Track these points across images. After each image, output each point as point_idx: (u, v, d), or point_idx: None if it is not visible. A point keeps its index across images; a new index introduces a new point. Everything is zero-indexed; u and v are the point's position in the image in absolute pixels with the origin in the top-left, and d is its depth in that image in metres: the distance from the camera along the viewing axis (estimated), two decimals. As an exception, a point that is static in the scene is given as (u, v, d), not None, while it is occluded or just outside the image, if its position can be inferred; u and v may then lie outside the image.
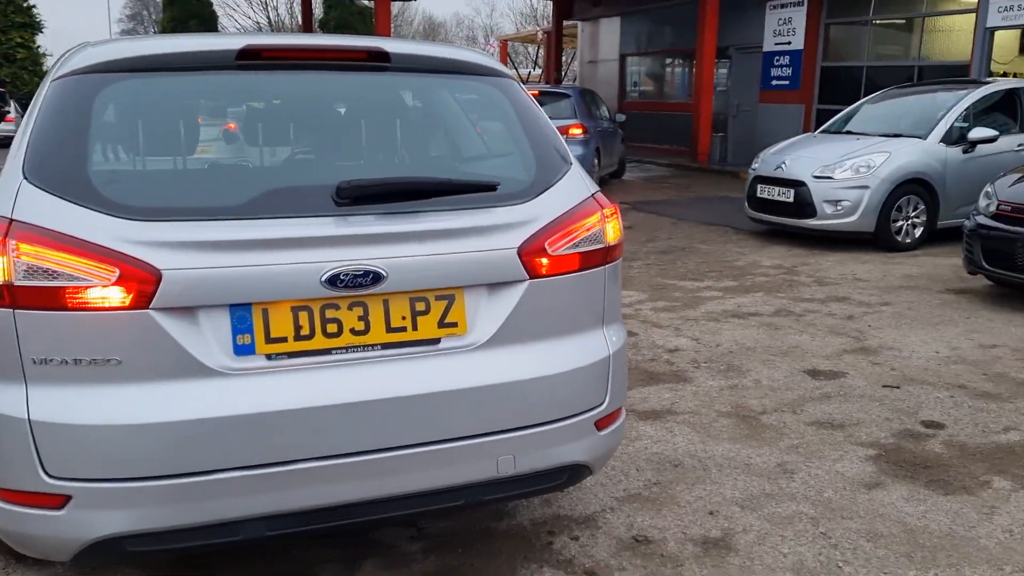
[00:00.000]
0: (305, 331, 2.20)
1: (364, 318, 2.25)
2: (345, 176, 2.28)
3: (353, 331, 2.24)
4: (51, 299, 2.04)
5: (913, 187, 8.53)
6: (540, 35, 31.13)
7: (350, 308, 2.24)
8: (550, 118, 2.72)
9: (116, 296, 2.05)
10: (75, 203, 2.10)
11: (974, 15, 12.60)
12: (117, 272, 2.04)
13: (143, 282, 2.05)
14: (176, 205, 2.17)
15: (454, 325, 2.34)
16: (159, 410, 2.08)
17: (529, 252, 2.39)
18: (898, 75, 13.57)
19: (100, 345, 2.07)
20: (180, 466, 2.10)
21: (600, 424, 2.57)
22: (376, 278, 2.22)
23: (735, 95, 18.00)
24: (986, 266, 6.43)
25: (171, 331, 2.09)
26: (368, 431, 2.23)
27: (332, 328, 2.22)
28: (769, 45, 16.40)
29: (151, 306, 2.07)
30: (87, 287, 2.04)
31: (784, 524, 3.13)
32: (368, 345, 2.26)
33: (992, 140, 8.68)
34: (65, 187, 2.12)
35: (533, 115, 2.66)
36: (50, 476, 2.07)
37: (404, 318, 2.29)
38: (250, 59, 2.36)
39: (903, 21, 14.41)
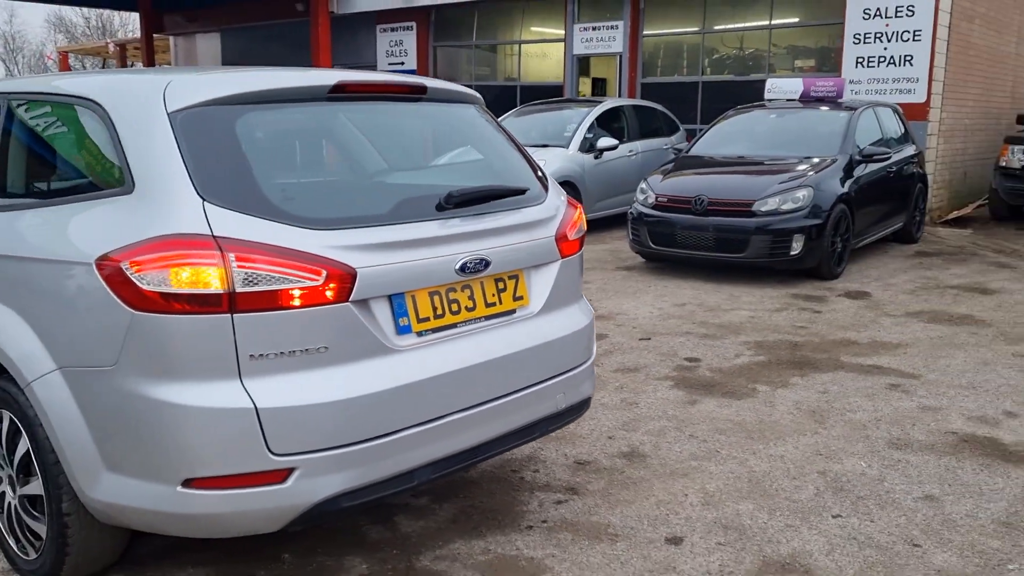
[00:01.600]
0: (439, 311, 2.75)
1: (471, 297, 2.85)
2: (428, 183, 2.86)
3: (466, 308, 2.83)
4: (268, 302, 2.37)
5: (564, 188, 10.29)
6: (112, 48, 29.09)
7: (463, 290, 2.83)
8: None
9: (325, 293, 2.44)
10: (262, 218, 2.43)
11: (563, 44, 15.12)
12: (325, 273, 2.43)
13: (344, 280, 2.47)
14: (341, 215, 2.59)
15: (521, 299, 3.03)
16: (358, 385, 2.51)
17: (559, 239, 3.17)
18: (500, 93, 15.69)
19: (311, 336, 2.44)
20: (375, 430, 2.54)
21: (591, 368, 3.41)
22: (486, 264, 2.84)
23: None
24: (652, 246, 8.26)
25: (362, 319, 2.53)
26: (485, 385, 2.84)
27: (454, 307, 2.80)
28: (383, 66, 17.68)
29: (349, 299, 2.49)
30: (300, 288, 2.40)
31: (660, 434, 4.23)
32: (475, 319, 2.86)
33: (614, 148, 10.80)
34: (247, 205, 2.43)
35: (508, 133, 3.40)
36: (275, 454, 2.39)
37: (493, 295, 2.93)
38: (339, 92, 2.81)
39: (503, 46, 16.63)
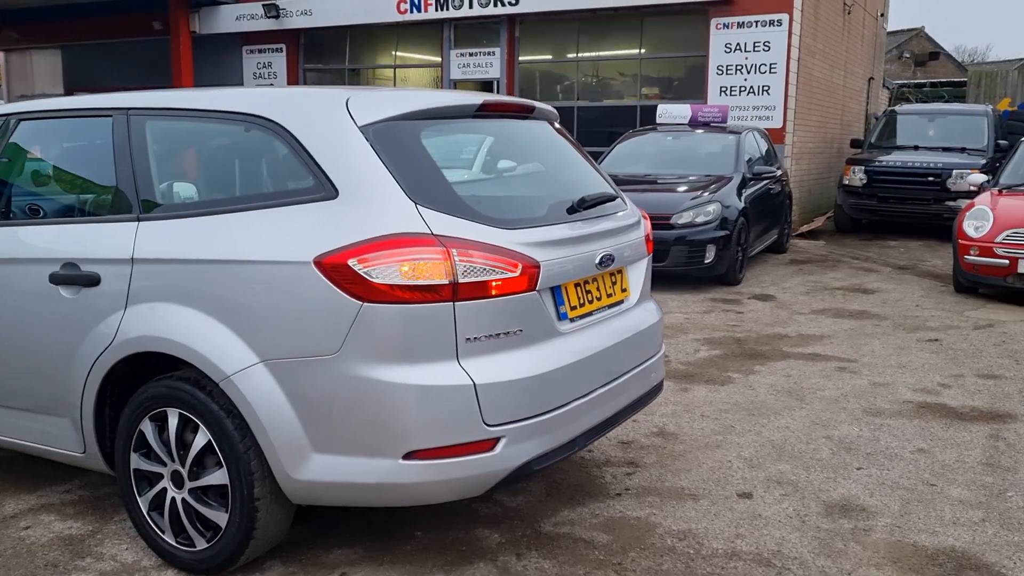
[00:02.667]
0: (582, 300, 3.16)
1: (599, 288, 3.28)
2: (555, 189, 3.28)
3: (596, 298, 3.26)
4: (480, 291, 2.71)
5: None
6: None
7: (594, 281, 3.25)
8: None
9: (521, 283, 2.80)
10: (462, 218, 2.77)
11: (440, 69, 15.59)
12: (520, 266, 2.80)
13: (532, 272, 2.84)
14: (514, 216, 2.97)
15: (625, 291, 3.48)
16: (544, 362, 2.89)
17: (646, 239, 3.65)
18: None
19: (510, 320, 2.80)
20: (556, 402, 2.92)
21: (659, 356, 3.91)
22: (612, 260, 3.28)
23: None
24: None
25: (543, 306, 2.91)
26: (615, 364, 3.27)
27: (590, 297, 3.22)
28: (250, 86, 17.47)
29: (536, 289, 2.86)
30: (503, 279, 2.76)
31: (675, 416, 4.77)
32: (602, 308, 3.29)
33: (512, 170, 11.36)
34: (448, 207, 2.77)
35: (579, 146, 3.86)
36: (488, 425, 2.72)
37: (611, 287, 3.37)
38: (483, 110, 3.19)
39: (381, 69, 16.89)
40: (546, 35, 14.99)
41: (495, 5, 14.35)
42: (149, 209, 3.11)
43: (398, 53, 16.59)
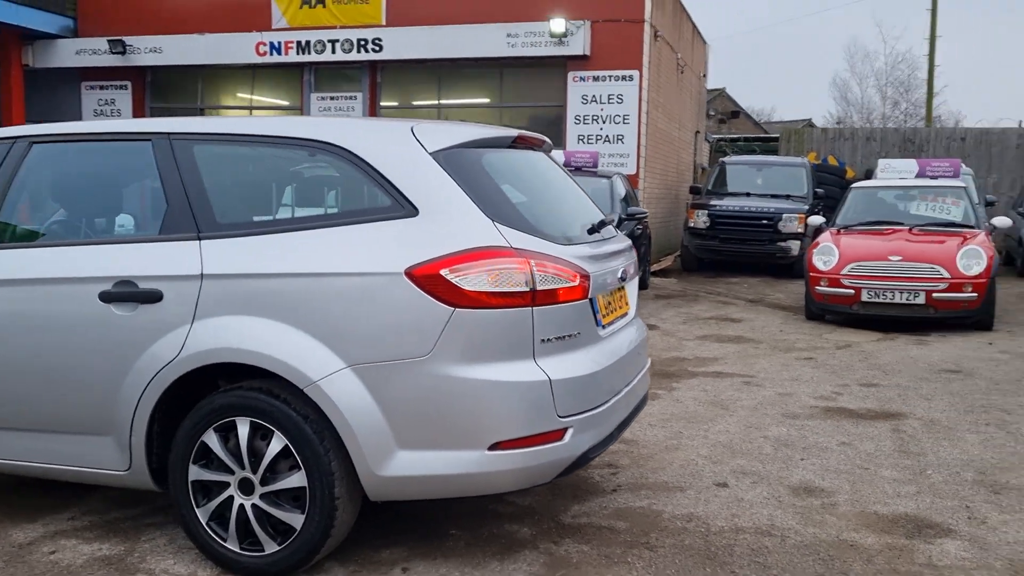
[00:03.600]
0: (607, 311, 3.57)
1: (614, 301, 3.70)
2: (573, 212, 3.71)
3: (614, 310, 3.68)
4: (551, 298, 3.07)
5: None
6: None
7: (612, 295, 3.67)
8: None
9: (578, 292, 3.17)
10: (528, 234, 3.12)
11: (300, 111, 15.64)
12: (579, 277, 3.17)
13: (586, 282, 3.22)
14: (562, 234, 3.34)
15: (627, 305, 3.92)
16: (596, 362, 3.27)
17: (636, 261, 4.12)
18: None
19: (571, 324, 3.16)
20: (605, 397, 3.31)
21: (645, 371, 4.36)
22: (627, 275, 3.71)
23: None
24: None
25: (590, 312, 3.29)
26: (629, 369, 3.69)
27: (610, 307, 3.63)
28: (89, 123, 16.71)
29: (588, 297, 3.24)
30: (567, 287, 3.12)
31: (628, 426, 5.23)
32: (616, 318, 3.71)
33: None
34: (516, 224, 3.12)
35: (569, 174, 4.29)
36: (560, 416, 3.06)
37: (618, 300, 3.80)
38: (517, 142, 3.57)
39: (235, 110, 16.65)
40: (408, 81, 15.45)
41: (358, 51, 14.66)
42: (210, 228, 3.24)
43: (254, 96, 16.49)
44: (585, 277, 3.23)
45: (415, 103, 15.62)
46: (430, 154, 3.14)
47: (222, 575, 3.21)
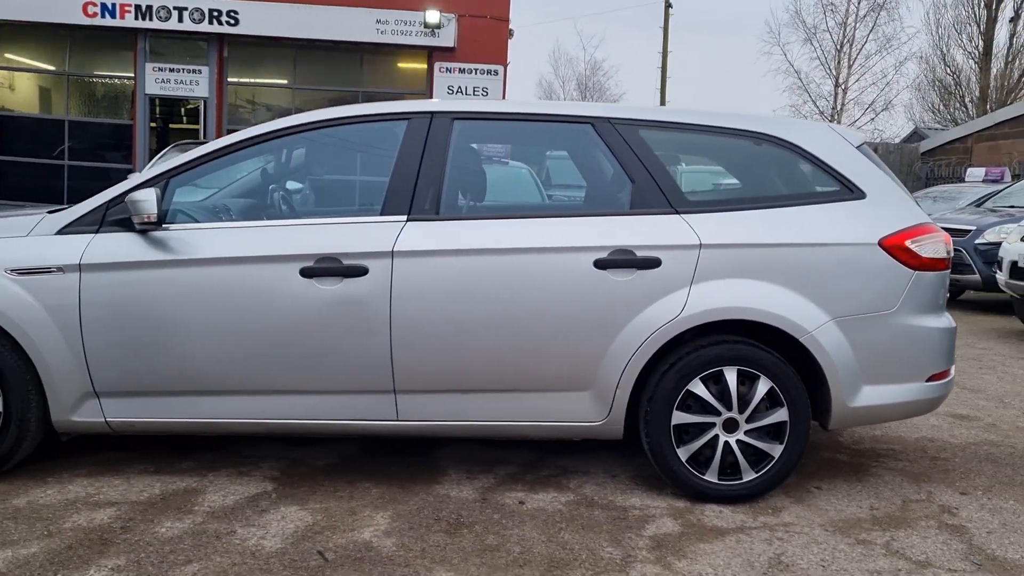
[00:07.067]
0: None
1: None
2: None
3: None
4: (947, 264, 3.93)
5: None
6: None
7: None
8: None
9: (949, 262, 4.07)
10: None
11: (133, 82, 14.41)
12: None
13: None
14: None
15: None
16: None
17: None
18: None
19: (946, 286, 4.05)
20: (939, 343, 4.23)
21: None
22: None
23: None
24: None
25: (936, 276, 4.21)
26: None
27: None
28: None
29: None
30: (948, 258, 4.00)
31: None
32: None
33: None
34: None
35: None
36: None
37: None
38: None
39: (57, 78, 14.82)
40: (260, 59, 14.88)
41: (210, 23, 13.90)
42: (683, 204, 3.69)
43: (70, 62, 14.86)
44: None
45: (265, 81, 15.07)
46: (856, 148, 3.87)
47: (689, 506, 3.69)
